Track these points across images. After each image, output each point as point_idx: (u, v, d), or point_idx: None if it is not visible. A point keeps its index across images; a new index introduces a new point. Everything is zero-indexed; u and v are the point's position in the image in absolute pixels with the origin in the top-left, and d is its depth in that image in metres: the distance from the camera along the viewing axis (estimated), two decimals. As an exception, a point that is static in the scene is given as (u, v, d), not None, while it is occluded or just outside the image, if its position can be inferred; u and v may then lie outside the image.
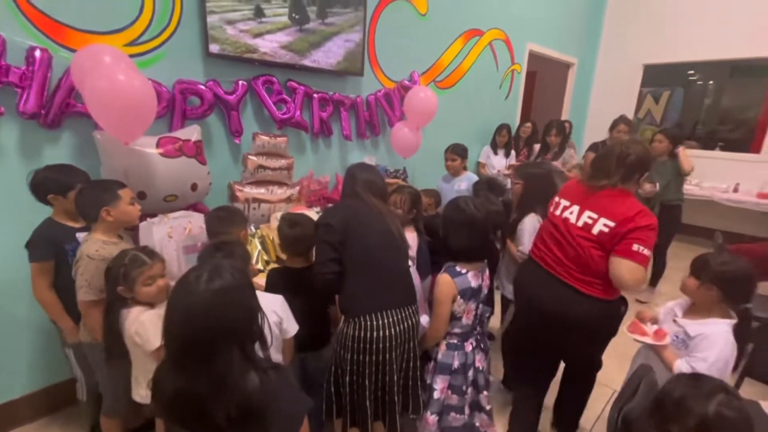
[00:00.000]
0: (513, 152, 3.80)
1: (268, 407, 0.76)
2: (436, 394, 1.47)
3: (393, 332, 1.33)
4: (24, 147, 1.63)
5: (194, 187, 1.89)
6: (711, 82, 6.87)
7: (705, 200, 4.23)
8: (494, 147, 3.73)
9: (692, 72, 6.55)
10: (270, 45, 2.17)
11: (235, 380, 0.73)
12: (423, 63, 3.18)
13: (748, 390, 1.69)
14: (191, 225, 1.71)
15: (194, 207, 1.96)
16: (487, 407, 1.56)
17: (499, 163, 3.70)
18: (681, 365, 1.22)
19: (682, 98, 6.50)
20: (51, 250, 1.45)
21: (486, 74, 3.83)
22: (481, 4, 3.52)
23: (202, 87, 1.99)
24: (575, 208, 1.42)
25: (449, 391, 1.49)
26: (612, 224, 1.31)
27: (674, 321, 1.32)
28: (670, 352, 1.28)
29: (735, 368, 1.53)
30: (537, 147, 3.92)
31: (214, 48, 1.98)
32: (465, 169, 2.85)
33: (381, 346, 1.31)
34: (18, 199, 1.55)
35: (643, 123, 6.14)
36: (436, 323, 1.45)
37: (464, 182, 2.73)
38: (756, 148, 4.61)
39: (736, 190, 4.25)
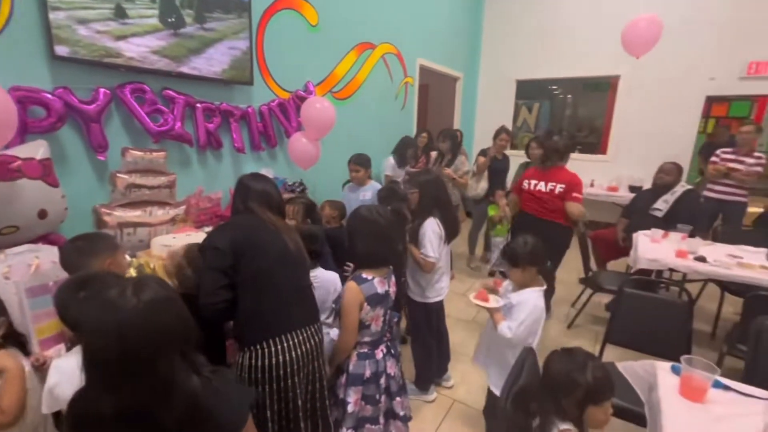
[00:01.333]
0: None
1: (214, 407, 0.77)
2: (350, 408, 1.43)
3: (296, 354, 1.26)
4: None
5: (42, 214, 1.58)
6: (569, 95, 8.16)
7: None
8: (402, 160, 3.75)
9: (555, 87, 7.69)
10: (138, 49, 1.93)
11: (180, 385, 0.73)
12: (318, 73, 3.17)
13: (608, 354, 1.98)
14: (39, 261, 1.42)
15: (45, 238, 1.64)
16: (401, 413, 1.57)
17: (401, 173, 3.83)
18: (503, 326, 1.52)
19: (549, 109, 7.59)
20: None
21: (382, 86, 3.97)
22: (372, 19, 3.65)
23: (49, 95, 1.68)
24: (541, 183, 2.65)
25: (363, 402, 1.47)
26: (562, 186, 2.54)
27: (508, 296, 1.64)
28: (499, 315, 1.57)
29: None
30: (434, 155, 4.19)
31: (61, 50, 1.68)
32: (369, 178, 2.89)
33: (283, 372, 1.23)
34: None
35: (521, 131, 6.99)
36: (345, 334, 1.42)
37: (369, 192, 2.77)
38: (603, 150, 5.58)
39: (592, 185, 5.07)
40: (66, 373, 1.02)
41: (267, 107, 2.72)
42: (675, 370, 1.33)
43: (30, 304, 1.31)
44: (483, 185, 3.75)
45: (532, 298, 1.54)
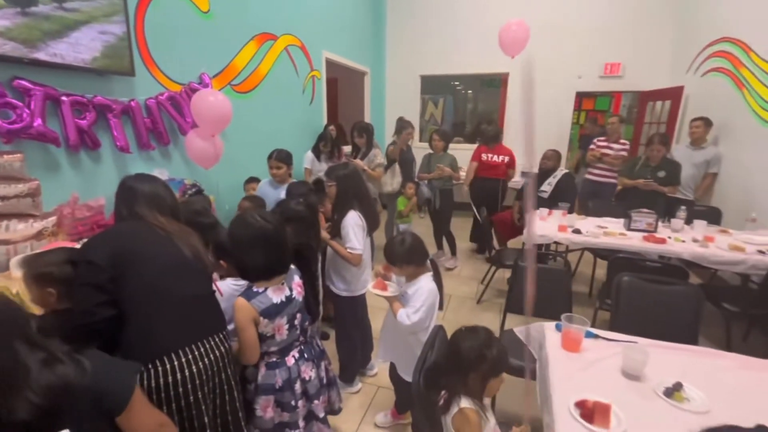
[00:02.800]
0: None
1: (94, 385, 0.77)
2: (258, 413, 1.38)
3: (197, 368, 1.16)
4: None
5: None
6: (470, 91, 8.80)
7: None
8: (317, 154, 3.76)
9: (457, 83, 8.23)
10: (-29, 30, 1.59)
11: (35, 376, 0.70)
12: (213, 65, 2.94)
13: (510, 321, 2.21)
14: None
15: None
16: (321, 414, 1.53)
17: (323, 167, 3.78)
18: (401, 314, 1.62)
19: (453, 104, 8.10)
20: None
21: (287, 79, 3.84)
22: (270, 8, 3.49)
23: None
24: (492, 155, 3.96)
25: (279, 409, 1.42)
26: (507, 158, 3.94)
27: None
28: (398, 304, 1.67)
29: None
30: (346, 149, 4.20)
31: None
32: (290, 176, 2.78)
33: (183, 389, 1.12)
34: None
35: (429, 124, 7.36)
36: (245, 350, 1.33)
37: None
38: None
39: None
40: None
41: (155, 101, 2.44)
42: (558, 328, 1.54)
43: None
44: (398, 179, 3.90)
45: (425, 285, 1.65)
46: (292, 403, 1.42)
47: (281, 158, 2.69)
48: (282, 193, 2.62)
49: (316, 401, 1.51)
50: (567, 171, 3.78)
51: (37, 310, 1.25)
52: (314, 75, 4.31)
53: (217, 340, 1.24)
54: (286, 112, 3.88)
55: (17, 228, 1.69)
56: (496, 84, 6.62)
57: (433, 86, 6.83)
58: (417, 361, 1.31)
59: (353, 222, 1.93)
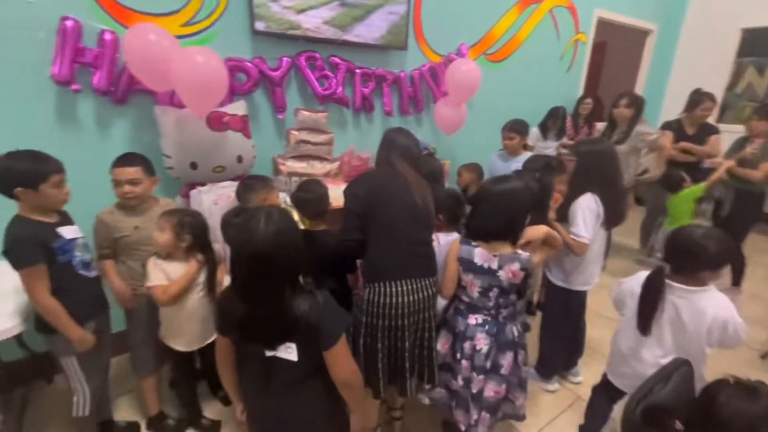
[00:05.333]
0: (565, 137, 3.51)
1: (318, 322, 0.93)
2: (438, 345, 1.51)
3: (408, 300, 1.36)
4: (98, 121, 1.86)
5: (240, 159, 2.03)
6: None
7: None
8: (545, 131, 3.44)
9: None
10: (313, 21, 2.21)
11: (287, 306, 0.91)
12: (473, 35, 3.04)
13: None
14: (234, 194, 1.86)
15: (240, 178, 2.11)
16: (491, 398, 1.44)
17: (550, 145, 3.44)
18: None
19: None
20: (39, 252, 1.24)
21: (545, 45, 3.55)
22: (543, -33, 3.24)
23: (249, 64, 2.10)
24: None
25: (449, 349, 1.52)
26: None
27: None
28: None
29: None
30: (599, 126, 3.59)
31: (259, 25, 2.06)
32: (525, 148, 2.67)
33: (395, 312, 1.35)
34: (94, 170, 1.63)
35: (741, 99, 5.31)
36: (444, 281, 1.49)
37: (522, 163, 2.45)
38: None
39: None
40: None
41: (418, 72, 2.77)
42: None
43: (227, 225, 1.75)
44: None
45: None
46: (458, 355, 1.47)
47: (516, 128, 2.56)
48: (513, 166, 2.51)
49: (481, 376, 1.44)
50: None
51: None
52: (578, 39, 3.81)
53: (426, 282, 1.41)
54: (536, 82, 3.62)
55: (317, 167, 2.35)
56: None
57: (760, 45, 4.78)
58: (639, 387, 1.07)
59: (586, 206, 1.68)
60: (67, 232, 1.34)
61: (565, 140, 3.49)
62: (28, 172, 1.22)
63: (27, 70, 1.66)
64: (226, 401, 1.92)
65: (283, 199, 1.97)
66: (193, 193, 1.88)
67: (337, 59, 2.40)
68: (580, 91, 4.03)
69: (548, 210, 1.77)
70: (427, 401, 1.57)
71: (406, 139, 1.52)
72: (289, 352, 0.95)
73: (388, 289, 1.35)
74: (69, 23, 1.65)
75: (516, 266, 1.39)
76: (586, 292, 1.90)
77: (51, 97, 1.74)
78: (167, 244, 1.45)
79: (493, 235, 1.41)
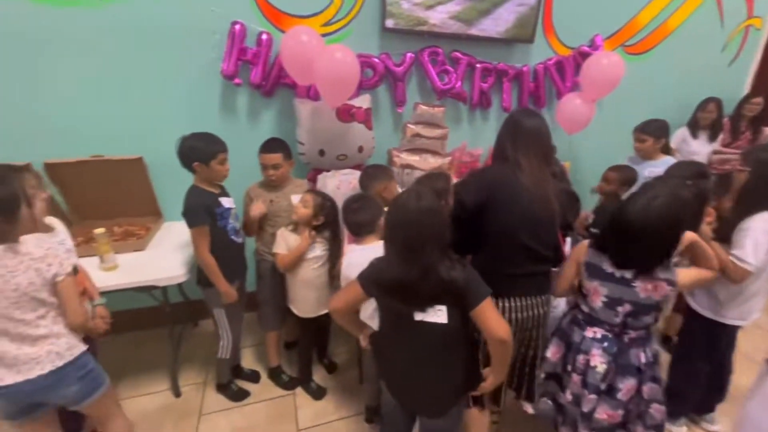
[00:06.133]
0: (717, 142, 2.95)
1: (466, 284, 1.03)
2: (548, 353, 1.41)
3: (517, 317, 1.31)
4: (251, 110, 2.17)
5: (360, 149, 2.18)
6: None
7: None
8: (694, 129, 2.94)
9: None
10: (439, 16, 2.23)
11: (436, 270, 1.01)
12: (611, 25, 2.73)
13: None
14: (354, 181, 2.00)
15: (359, 167, 2.26)
16: (597, 416, 1.29)
17: (699, 150, 2.92)
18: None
19: None
20: (206, 216, 1.53)
21: (703, 33, 3.01)
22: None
23: (376, 60, 2.22)
24: None
25: (560, 359, 1.40)
26: None
27: None
28: None
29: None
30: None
31: (389, 23, 2.16)
32: (666, 151, 2.36)
33: None
34: (248, 155, 1.84)
35: None
36: (559, 279, 1.40)
37: (659, 168, 2.05)
38: None
39: None
40: (352, 263, 1.41)
41: (543, 66, 2.61)
42: None
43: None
44: None
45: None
46: (569, 367, 1.35)
47: (647, 130, 2.28)
48: (647, 172, 2.22)
49: (593, 395, 1.29)
50: None
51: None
52: (751, 24, 3.15)
53: (541, 299, 1.34)
54: (686, 77, 3.10)
55: (429, 161, 2.38)
56: None
57: None
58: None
59: (762, 227, 1.39)
60: (225, 202, 1.62)
61: (717, 145, 2.95)
62: (204, 149, 1.52)
63: (204, 66, 2.01)
64: (330, 368, 2.10)
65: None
66: (319, 177, 2.08)
67: (458, 54, 2.39)
68: (745, 89, 3.34)
69: (701, 221, 1.51)
70: (531, 411, 1.50)
71: (535, 121, 1.29)
72: (439, 314, 1.04)
73: (496, 304, 1.27)
74: (237, 27, 1.95)
75: (665, 285, 1.21)
76: (737, 328, 1.60)
77: (218, 89, 2.08)
78: (305, 218, 1.64)
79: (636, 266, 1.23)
